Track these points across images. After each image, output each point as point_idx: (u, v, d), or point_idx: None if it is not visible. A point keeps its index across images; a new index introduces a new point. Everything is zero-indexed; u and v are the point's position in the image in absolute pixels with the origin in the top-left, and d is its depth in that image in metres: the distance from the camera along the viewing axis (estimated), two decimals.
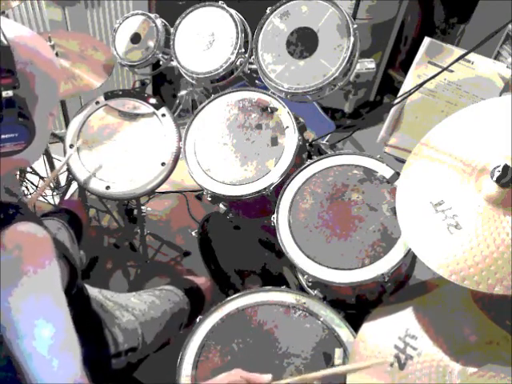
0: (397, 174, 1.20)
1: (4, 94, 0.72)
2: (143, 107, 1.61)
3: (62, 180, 2.23)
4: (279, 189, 1.29)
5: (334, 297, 1.25)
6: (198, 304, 1.47)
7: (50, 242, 0.81)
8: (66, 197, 2.19)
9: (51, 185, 2.17)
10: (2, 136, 0.74)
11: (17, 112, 0.74)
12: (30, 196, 1.98)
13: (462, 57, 1.23)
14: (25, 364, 0.76)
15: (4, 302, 0.74)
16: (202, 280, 1.58)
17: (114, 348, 1.17)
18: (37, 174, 2.04)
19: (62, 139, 1.59)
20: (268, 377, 0.98)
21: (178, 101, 2.49)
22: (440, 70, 1.27)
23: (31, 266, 0.76)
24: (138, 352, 1.23)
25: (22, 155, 0.79)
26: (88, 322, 0.86)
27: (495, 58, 1.71)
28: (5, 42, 0.73)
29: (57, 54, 1.68)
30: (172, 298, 1.40)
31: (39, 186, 2.05)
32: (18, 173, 1.94)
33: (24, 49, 0.77)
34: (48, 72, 0.82)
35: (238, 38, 1.46)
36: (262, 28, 1.43)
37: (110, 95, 1.63)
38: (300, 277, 1.32)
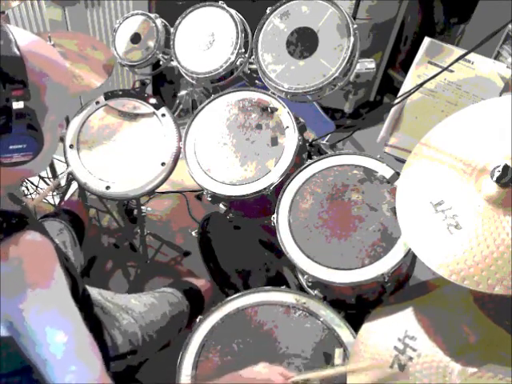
0: (397, 174, 1.19)
1: (15, 105, 0.71)
2: (143, 107, 1.61)
3: (62, 180, 2.23)
4: (279, 189, 1.29)
5: (334, 297, 1.25)
6: (197, 306, 1.46)
7: (53, 251, 0.81)
8: (66, 197, 2.19)
9: (51, 185, 2.17)
10: (11, 147, 0.74)
11: (26, 123, 0.74)
12: (29, 197, 1.97)
13: (462, 57, 1.23)
14: (43, 369, 0.76)
15: (14, 311, 0.75)
16: (202, 282, 1.58)
17: (114, 351, 1.17)
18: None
19: (62, 139, 1.59)
20: (292, 373, 0.99)
21: (177, 101, 2.50)
22: (440, 70, 1.27)
23: (34, 276, 0.77)
24: (138, 355, 1.23)
25: (28, 166, 0.79)
26: (88, 325, 0.86)
27: (495, 58, 1.71)
28: (17, 53, 0.72)
29: None
30: (171, 300, 1.40)
31: (39, 187, 2.05)
32: None
33: (37, 59, 0.76)
34: (61, 82, 0.81)
35: (238, 37, 1.46)
36: (261, 28, 1.43)
37: (110, 95, 1.63)
38: (300, 277, 1.32)
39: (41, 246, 0.80)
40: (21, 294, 0.75)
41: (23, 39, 0.75)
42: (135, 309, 1.29)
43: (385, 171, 1.23)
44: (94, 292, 1.28)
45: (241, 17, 1.51)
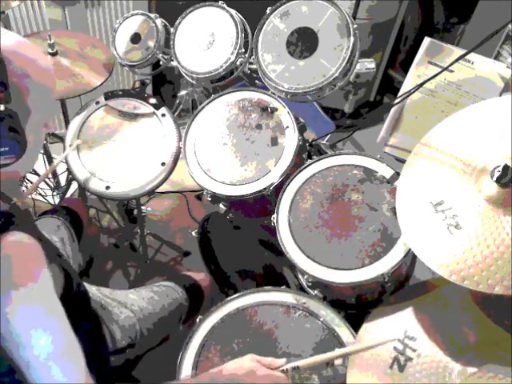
0: (397, 174, 1.20)
1: None
2: (143, 107, 1.61)
3: (62, 180, 2.23)
4: (279, 189, 1.29)
5: (334, 297, 1.25)
6: (196, 300, 1.46)
7: (39, 252, 0.80)
8: (66, 197, 2.19)
9: (51, 185, 2.17)
10: None
11: (8, 126, 0.72)
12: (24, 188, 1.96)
13: (462, 57, 1.23)
14: (26, 371, 0.76)
15: None
16: (201, 276, 1.58)
17: (112, 345, 1.17)
18: (37, 173, 2.04)
19: (62, 139, 1.59)
20: (282, 361, 0.99)
21: (178, 101, 2.49)
22: (440, 70, 1.27)
23: (21, 277, 0.76)
24: (137, 348, 1.23)
25: (12, 167, 0.78)
26: (86, 320, 0.85)
27: (495, 58, 1.71)
28: None
29: (57, 53, 1.69)
30: (170, 293, 1.39)
31: (33, 182, 2.05)
32: None
33: (20, 61, 0.75)
34: (44, 83, 0.80)
35: (238, 37, 1.46)
36: (261, 28, 1.43)
37: (110, 95, 1.63)
38: (300, 277, 1.32)
39: (25, 248, 0.79)
40: (5, 297, 0.74)
41: (6, 40, 0.74)
42: (134, 303, 1.29)
43: (385, 171, 1.23)
44: (93, 289, 1.28)
45: (241, 17, 1.51)
